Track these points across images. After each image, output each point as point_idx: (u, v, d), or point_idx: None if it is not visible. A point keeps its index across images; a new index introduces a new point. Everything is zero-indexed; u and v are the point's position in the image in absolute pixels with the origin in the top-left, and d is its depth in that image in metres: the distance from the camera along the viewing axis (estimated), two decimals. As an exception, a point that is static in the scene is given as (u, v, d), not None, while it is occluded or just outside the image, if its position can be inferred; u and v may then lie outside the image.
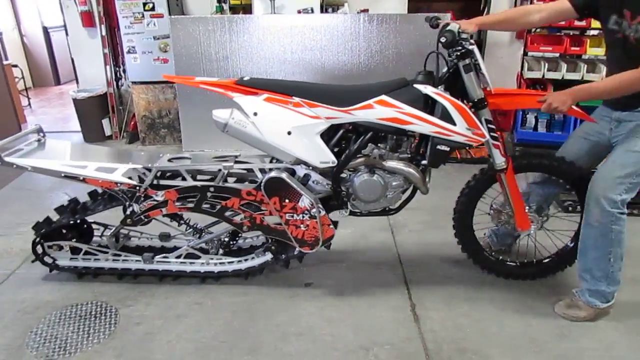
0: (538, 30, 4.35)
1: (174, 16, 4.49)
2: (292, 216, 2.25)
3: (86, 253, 2.50)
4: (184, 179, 2.32)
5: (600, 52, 3.99)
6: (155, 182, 2.31)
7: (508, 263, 2.55)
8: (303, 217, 2.25)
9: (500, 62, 5.04)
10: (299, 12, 4.74)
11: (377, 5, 4.93)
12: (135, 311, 2.29)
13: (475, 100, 2.12)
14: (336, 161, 2.19)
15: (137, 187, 2.27)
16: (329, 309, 2.29)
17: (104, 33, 4.94)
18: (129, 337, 2.12)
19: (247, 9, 4.89)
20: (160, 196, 2.27)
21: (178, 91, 4.56)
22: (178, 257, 2.49)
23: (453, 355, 2.00)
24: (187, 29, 4.34)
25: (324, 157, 2.17)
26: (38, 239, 2.44)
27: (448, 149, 2.13)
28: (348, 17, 4.40)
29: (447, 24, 2.07)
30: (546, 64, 4.07)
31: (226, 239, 2.52)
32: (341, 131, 2.21)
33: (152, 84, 4.83)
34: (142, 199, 2.30)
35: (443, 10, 4.46)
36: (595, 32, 4.31)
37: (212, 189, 2.26)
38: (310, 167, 2.26)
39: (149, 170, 2.30)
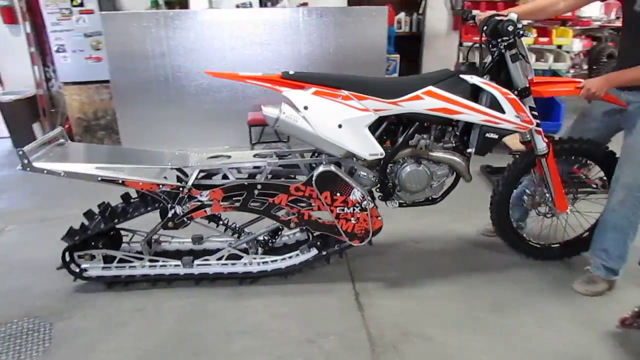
0: (471, 21, 4.51)
1: (105, 12, 4.30)
2: (343, 210, 2.25)
3: (120, 261, 2.39)
4: (225, 177, 2.28)
5: (529, 41, 4.19)
6: (196, 182, 2.25)
7: (552, 246, 2.62)
8: (354, 210, 2.25)
9: (439, 53, 5.19)
10: (238, 6, 4.67)
11: (317, -2, 4.94)
12: (72, 324, 2.18)
13: (520, 88, 2.18)
14: (384, 153, 2.21)
15: (181, 188, 2.20)
16: (274, 304, 2.29)
17: (28, 30, 4.66)
18: (65, 352, 2.02)
19: (183, 4, 4.76)
20: (204, 196, 2.21)
21: (114, 91, 4.38)
22: (219, 259, 2.41)
23: (396, 340, 2.05)
24: (120, 26, 4.17)
25: (373, 149, 2.18)
26: (67, 251, 2.32)
27: (497, 136, 2.21)
28: (287, 11, 4.38)
29: (493, 16, 2.17)
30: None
31: (266, 238, 2.49)
32: (385, 123, 2.23)
33: (86, 84, 4.61)
34: (186, 200, 2.22)
35: (383, 3, 4.53)
36: (525, 22, 4.52)
37: (259, 186, 2.22)
38: (355, 160, 2.27)
39: (181, 171, 2.25)
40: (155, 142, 4.38)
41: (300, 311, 2.24)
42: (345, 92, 2.14)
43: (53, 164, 2.11)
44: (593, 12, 6.53)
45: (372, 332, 2.09)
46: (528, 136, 2.34)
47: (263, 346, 2.02)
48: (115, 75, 4.28)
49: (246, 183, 2.22)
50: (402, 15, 5.26)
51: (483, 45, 2.23)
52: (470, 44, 4.45)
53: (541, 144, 2.32)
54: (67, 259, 2.35)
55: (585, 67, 6.09)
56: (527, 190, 2.58)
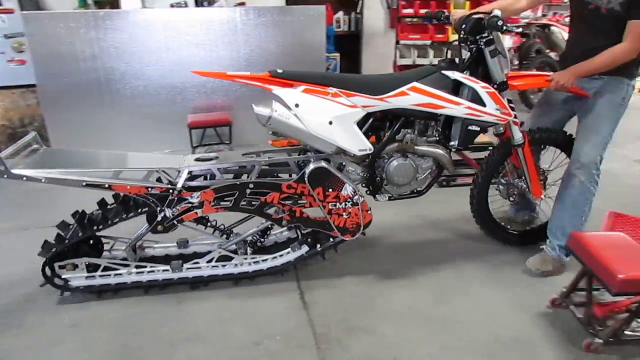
0: (407, 20, 4.63)
1: (27, 12, 4.05)
2: (335, 205, 2.28)
3: (104, 269, 2.31)
4: (212, 177, 2.24)
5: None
6: (185, 184, 2.19)
7: (527, 231, 2.78)
8: (346, 205, 2.29)
9: (378, 51, 5.30)
10: (172, 5, 4.56)
11: (254, -3, 4.91)
12: (0, 346, 2.04)
13: (498, 82, 2.29)
14: (372, 148, 2.26)
15: (170, 190, 2.13)
16: (217, 309, 2.25)
17: (-62, 32, 4.30)
18: (-8, 376, 1.89)
19: (114, 4, 4.58)
20: (195, 198, 2.16)
21: (41, 96, 4.13)
22: (209, 261, 2.38)
23: (341, 335, 2.07)
24: (45, 26, 3.94)
25: (362, 144, 2.24)
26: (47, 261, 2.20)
27: (478, 129, 2.31)
28: (224, 11, 4.32)
29: (471, 14, 2.29)
30: (416, 51, 4.34)
31: (255, 237, 2.49)
32: (371, 119, 2.28)
33: (9, 88, 4.32)
34: (176, 202, 2.15)
35: (320, 2, 4.56)
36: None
37: (251, 186, 2.20)
38: (344, 156, 2.32)
39: (166, 172, 2.20)
40: (90, 148, 4.19)
41: (245, 314, 2.21)
42: (334, 90, 2.18)
43: (32, 170, 2.02)
44: (521, 10, 6.90)
45: (317, 330, 2.10)
46: (501, 128, 2.45)
47: (207, 352, 1.98)
48: (42, 79, 4.04)
49: (238, 183, 2.20)
50: (340, 14, 5.32)
51: (462, 43, 2.35)
52: (407, 42, 4.61)
53: (518, 135, 2.46)
54: (48, 272, 2.25)
55: (517, 62, 6.39)
56: (503, 180, 2.69)
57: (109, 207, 2.36)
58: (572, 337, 2.04)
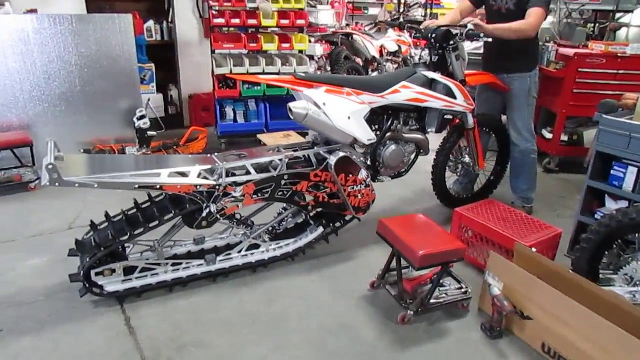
0: (223, 29, 4.67)
1: None
2: (353, 188, 2.64)
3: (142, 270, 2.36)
4: (248, 173, 2.39)
5: (273, 47, 4.52)
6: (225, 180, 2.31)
7: (466, 197, 3.44)
8: (361, 187, 2.66)
9: (195, 60, 5.23)
10: (-62, 11, 3.84)
11: (48, 5, 4.42)
12: None
13: (460, 80, 2.88)
14: (375, 138, 2.68)
15: (217, 187, 2.27)
16: (25, 355, 1.99)
17: None
18: None
19: None
20: (238, 192, 2.32)
21: None
22: (240, 251, 2.59)
23: (172, 355, 2.02)
24: None
25: (370, 135, 2.66)
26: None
27: (451, 117, 2.87)
28: (12, 19, 3.82)
29: (439, 27, 2.85)
30: (232, 60, 4.39)
31: (274, 225, 2.75)
32: (368, 114, 2.64)
33: None
34: (221, 197, 2.30)
35: (126, 11, 4.31)
36: (269, 31, 4.86)
37: (286, 177, 2.45)
38: (352, 146, 2.67)
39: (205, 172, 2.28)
40: None
41: (60, 355, 2.00)
42: (347, 89, 2.55)
43: (84, 177, 2.01)
44: (328, 20, 7.49)
45: (146, 354, 2.03)
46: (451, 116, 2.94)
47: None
48: None
49: (275, 175, 2.42)
50: (151, 23, 5.08)
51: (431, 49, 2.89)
52: (222, 52, 4.63)
53: (471, 120, 3.06)
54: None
55: (329, 68, 6.92)
56: (452, 157, 3.29)
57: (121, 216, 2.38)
58: (390, 313, 2.29)
